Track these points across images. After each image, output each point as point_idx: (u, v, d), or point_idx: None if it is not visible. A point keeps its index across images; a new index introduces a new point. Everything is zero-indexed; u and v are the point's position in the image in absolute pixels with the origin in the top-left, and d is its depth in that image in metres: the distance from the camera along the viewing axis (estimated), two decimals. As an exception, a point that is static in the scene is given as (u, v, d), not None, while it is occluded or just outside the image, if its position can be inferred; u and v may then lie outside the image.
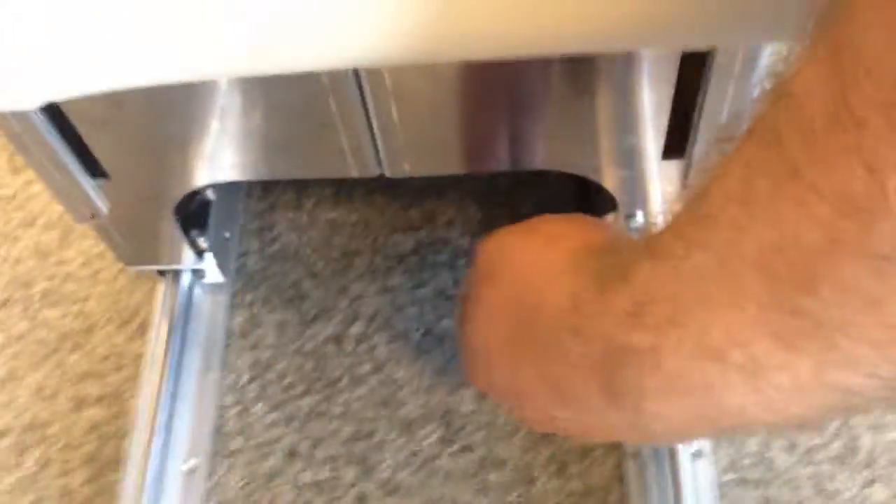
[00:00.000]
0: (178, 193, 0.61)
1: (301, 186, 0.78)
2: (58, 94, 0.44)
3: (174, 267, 0.70)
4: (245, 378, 0.70)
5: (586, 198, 0.68)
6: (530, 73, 0.50)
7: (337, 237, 0.75)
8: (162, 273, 0.72)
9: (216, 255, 0.71)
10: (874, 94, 0.22)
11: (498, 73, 0.50)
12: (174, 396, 0.68)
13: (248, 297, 0.74)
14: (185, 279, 0.72)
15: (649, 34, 0.40)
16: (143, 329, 0.73)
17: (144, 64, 0.41)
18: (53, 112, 0.51)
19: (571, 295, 0.38)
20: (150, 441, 0.65)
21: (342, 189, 0.77)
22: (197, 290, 0.73)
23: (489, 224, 0.73)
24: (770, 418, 0.31)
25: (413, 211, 0.76)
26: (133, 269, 0.71)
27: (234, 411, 0.69)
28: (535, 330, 0.41)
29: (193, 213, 0.68)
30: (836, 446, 0.63)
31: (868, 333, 0.25)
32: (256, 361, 0.71)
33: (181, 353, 0.70)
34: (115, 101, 0.45)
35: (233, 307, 0.73)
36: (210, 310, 0.73)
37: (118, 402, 0.70)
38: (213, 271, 0.72)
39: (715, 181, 0.29)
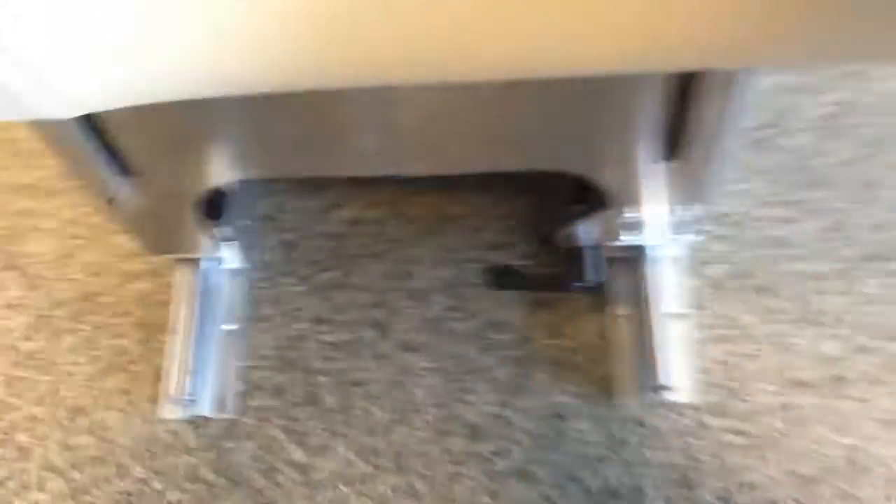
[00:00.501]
0: (200, 190, 0.65)
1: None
2: (94, 106, 0.46)
3: (194, 255, 0.74)
4: (273, 255, 0.79)
5: (584, 194, 0.70)
6: (539, 82, 0.51)
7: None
8: (182, 260, 0.76)
9: (236, 243, 0.75)
10: None
11: (505, 83, 0.53)
12: (209, 270, 0.77)
13: (273, 187, 0.82)
14: (205, 266, 0.76)
15: (642, 59, 0.42)
16: (181, 214, 0.81)
17: (180, 80, 0.44)
18: (85, 116, 0.54)
19: None
20: (193, 305, 0.74)
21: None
22: (216, 277, 0.77)
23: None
24: None
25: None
26: (156, 256, 0.75)
27: (265, 283, 0.78)
28: None
29: (213, 204, 0.71)
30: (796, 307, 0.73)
31: None
32: (283, 242, 0.79)
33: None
34: (143, 106, 0.46)
35: (259, 196, 0.82)
36: (229, 294, 0.77)
37: (162, 276, 0.79)
38: (232, 258, 0.76)
39: None
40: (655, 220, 0.66)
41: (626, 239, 0.68)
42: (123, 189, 0.63)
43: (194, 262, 0.76)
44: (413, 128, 0.57)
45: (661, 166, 0.61)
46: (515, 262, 0.76)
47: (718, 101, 0.52)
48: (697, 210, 0.65)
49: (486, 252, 0.77)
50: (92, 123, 0.57)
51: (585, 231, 0.71)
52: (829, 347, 0.71)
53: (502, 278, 0.75)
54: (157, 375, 0.73)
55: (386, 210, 0.80)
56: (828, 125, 0.80)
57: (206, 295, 0.76)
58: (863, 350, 0.71)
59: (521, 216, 0.79)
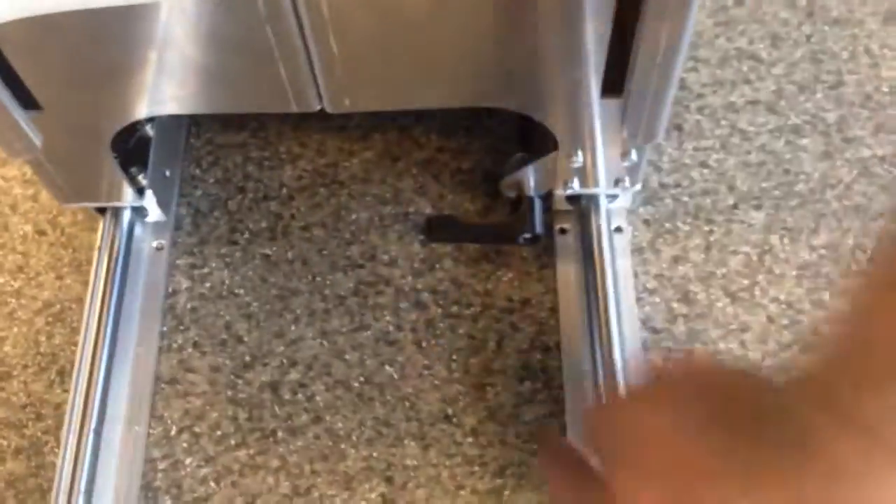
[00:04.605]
0: (114, 126, 0.59)
1: (235, 220, 0.74)
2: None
3: (113, 204, 0.69)
4: (175, 429, 0.66)
5: (530, 142, 0.68)
6: (472, 4, 0.50)
7: (273, 275, 0.72)
8: (102, 212, 0.71)
9: (157, 194, 0.70)
10: None
11: (439, 4, 0.50)
12: (97, 449, 0.64)
13: (178, 340, 0.70)
14: (126, 217, 0.71)
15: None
16: (62, 376, 0.68)
17: None
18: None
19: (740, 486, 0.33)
20: (71, 501, 0.61)
21: (278, 223, 0.74)
22: (138, 229, 0.73)
23: (432, 263, 0.71)
24: None
25: (353, 248, 0.72)
26: (70, 205, 0.70)
27: (163, 465, 0.65)
28: None
29: (133, 150, 0.67)
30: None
31: None
32: (187, 411, 0.67)
33: (117, 315, 0.68)
34: (47, 28, 0.44)
35: (161, 351, 0.69)
36: (151, 249, 0.73)
37: (38, 456, 0.65)
38: (153, 210, 0.71)
39: None
40: (606, 165, 0.64)
41: (576, 187, 0.67)
42: (29, 125, 0.56)
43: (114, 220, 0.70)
44: (340, 57, 0.53)
45: (607, 103, 0.57)
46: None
47: (664, 31, 0.49)
48: (642, 153, 0.63)
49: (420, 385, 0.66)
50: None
51: (534, 179, 0.68)
52: None
53: (441, 229, 0.71)
54: (25, 592, 0.60)
55: (309, 372, 0.68)
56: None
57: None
58: None
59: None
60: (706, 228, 0.71)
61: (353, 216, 0.74)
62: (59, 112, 0.57)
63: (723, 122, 0.76)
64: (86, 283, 0.71)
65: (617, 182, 0.66)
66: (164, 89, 0.56)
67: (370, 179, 0.75)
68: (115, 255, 0.69)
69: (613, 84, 0.56)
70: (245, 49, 0.53)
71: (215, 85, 0.57)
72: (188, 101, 0.58)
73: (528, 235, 0.69)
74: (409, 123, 0.77)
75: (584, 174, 0.65)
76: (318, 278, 0.71)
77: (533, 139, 0.67)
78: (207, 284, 0.72)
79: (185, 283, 0.72)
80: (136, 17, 0.50)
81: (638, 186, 0.67)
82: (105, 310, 0.67)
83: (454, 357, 0.68)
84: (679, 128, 0.76)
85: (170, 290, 0.71)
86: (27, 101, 0.56)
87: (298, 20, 0.50)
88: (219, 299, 0.71)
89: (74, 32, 0.50)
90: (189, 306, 0.71)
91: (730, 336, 0.67)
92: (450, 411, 0.66)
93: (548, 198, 0.70)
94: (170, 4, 0.49)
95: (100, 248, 0.70)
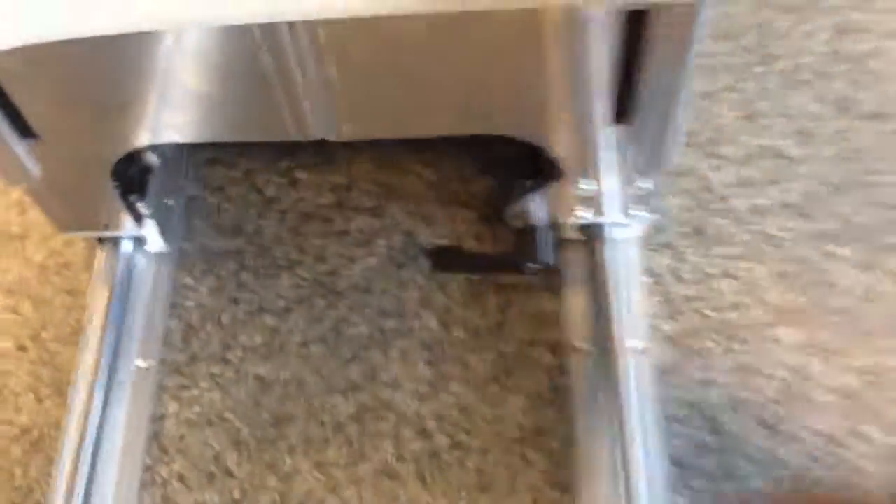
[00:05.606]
0: (113, 155, 0.59)
1: (227, 335, 0.69)
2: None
3: (112, 233, 0.68)
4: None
5: (537, 169, 0.65)
6: (474, 31, 0.49)
7: (266, 398, 0.67)
8: (101, 241, 0.70)
9: (158, 223, 0.69)
10: None
11: (440, 32, 0.49)
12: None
13: (163, 474, 0.64)
14: (126, 247, 0.70)
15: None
16: (38, 514, 0.63)
17: (77, 15, 0.42)
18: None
19: None
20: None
21: (274, 339, 0.69)
22: (139, 258, 0.71)
23: (438, 385, 0.65)
24: None
25: (353, 367, 0.67)
26: (69, 233, 0.70)
27: None
28: None
29: (134, 179, 0.67)
30: None
31: None
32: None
33: (97, 446, 0.63)
34: (44, 57, 0.45)
35: (143, 486, 0.64)
36: (152, 279, 0.71)
37: None
38: (155, 239, 0.70)
39: None
40: (612, 193, 0.62)
41: (582, 215, 0.65)
42: (27, 153, 0.56)
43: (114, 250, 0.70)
44: (339, 84, 0.53)
45: (614, 130, 0.56)
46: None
47: (670, 55, 0.49)
48: (654, 180, 0.61)
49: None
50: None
51: (538, 208, 0.67)
52: None
53: (447, 260, 0.70)
54: None
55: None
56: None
57: None
58: None
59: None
60: (735, 347, 0.66)
61: (353, 330, 0.69)
62: (56, 141, 0.56)
63: (750, 227, 0.71)
64: (65, 406, 0.66)
65: (626, 212, 0.65)
66: (162, 117, 0.56)
67: (372, 290, 0.70)
68: (97, 377, 0.65)
69: (621, 112, 0.54)
70: (243, 77, 0.53)
71: (214, 113, 0.57)
72: (187, 129, 0.58)
73: (534, 264, 0.67)
74: (414, 228, 0.72)
75: (591, 203, 0.64)
76: (315, 402, 0.66)
77: (539, 167, 0.64)
78: (196, 408, 0.66)
79: (172, 407, 0.67)
80: (132, 47, 0.50)
81: (647, 216, 0.65)
82: (83, 440, 0.62)
83: (461, 494, 0.62)
84: (701, 231, 0.71)
85: (156, 414, 0.66)
86: (24, 129, 0.55)
87: (296, 47, 0.50)
88: (207, 426, 0.66)
89: (71, 62, 0.50)
90: (176, 434, 0.66)
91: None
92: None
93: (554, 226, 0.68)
94: (167, 33, 0.49)
95: (78, 372, 0.65)
